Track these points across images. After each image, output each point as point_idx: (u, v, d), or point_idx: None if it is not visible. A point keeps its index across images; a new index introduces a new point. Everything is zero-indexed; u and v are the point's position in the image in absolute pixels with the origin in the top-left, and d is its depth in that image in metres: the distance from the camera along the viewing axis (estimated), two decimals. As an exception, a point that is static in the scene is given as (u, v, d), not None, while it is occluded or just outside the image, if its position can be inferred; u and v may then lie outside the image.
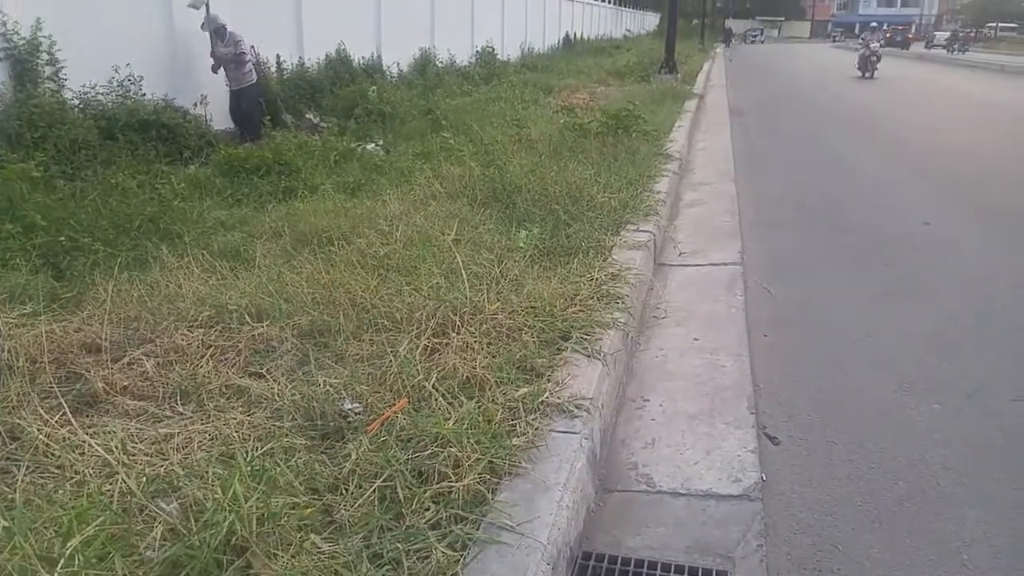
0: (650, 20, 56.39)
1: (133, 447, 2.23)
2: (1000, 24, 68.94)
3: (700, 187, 7.13)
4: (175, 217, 4.81)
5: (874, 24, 24.12)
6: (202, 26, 8.01)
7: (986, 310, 4.14)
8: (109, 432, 2.29)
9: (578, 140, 7.41)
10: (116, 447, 2.16)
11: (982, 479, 2.58)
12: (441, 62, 14.93)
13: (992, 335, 3.81)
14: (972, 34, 56.93)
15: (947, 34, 53.59)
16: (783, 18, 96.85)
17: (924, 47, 51.64)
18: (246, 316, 3.14)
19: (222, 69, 8.25)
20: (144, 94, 7.24)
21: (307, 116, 9.38)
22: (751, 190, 7.17)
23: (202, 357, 2.82)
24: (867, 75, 22.81)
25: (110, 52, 7.08)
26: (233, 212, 5.24)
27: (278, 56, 9.96)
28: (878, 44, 23.27)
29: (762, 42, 73.29)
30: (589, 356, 2.89)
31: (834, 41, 73.98)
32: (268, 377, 2.71)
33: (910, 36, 60.40)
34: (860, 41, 23.82)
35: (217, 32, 8.08)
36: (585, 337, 3.02)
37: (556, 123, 8.59)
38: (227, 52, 8.16)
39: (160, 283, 3.58)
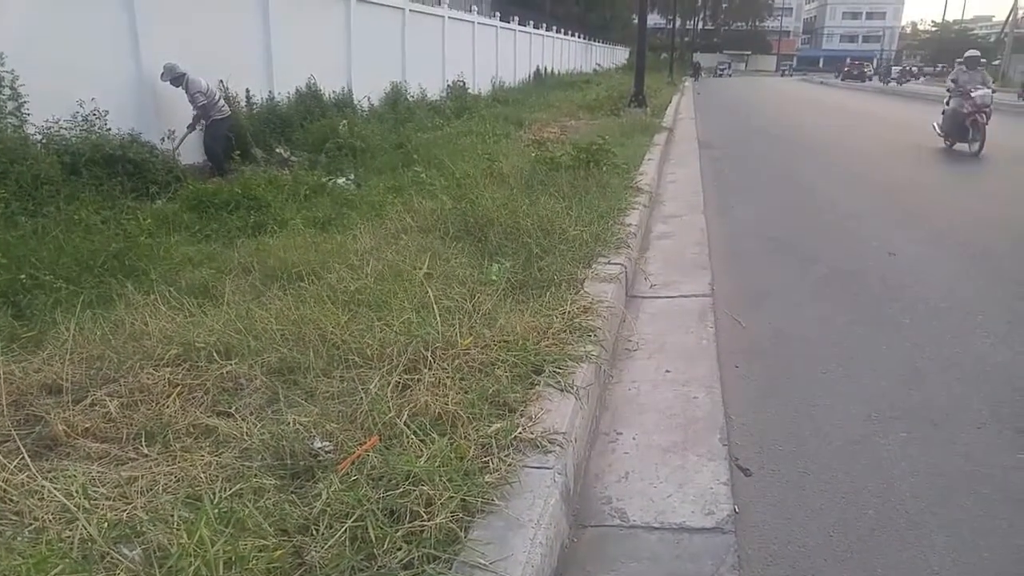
0: (619, 54, 57.46)
1: (95, 491, 2.17)
2: (952, 61, 71.83)
3: (670, 219, 7.22)
4: (141, 253, 4.74)
5: (973, 53, 11.10)
6: (161, 76, 8.01)
7: (950, 340, 4.22)
8: (69, 476, 2.23)
9: (549, 173, 7.47)
10: (77, 492, 2.10)
11: (949, 506, 2.61)
12: (412, 96, 15.02)
13: (957, 364, 3.88)
14: (918, 70, 60.40)
15: (900, 68, 56.92)
16: (749, 52, 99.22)
17: (880, 81, 54.18)
18: (214, 354, 3.09)
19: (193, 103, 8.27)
20: (110, 129, 7.17)
21: (277, 150, 9.35)
22: (720, 222, 7.27)
23: (168, 396, 2.77)
24: (971, 147, 12.83)
25: (75, 86, 7.02)
26: (201, 248, 5.18)
27: (247, 90, 9.95)
28: (985, 91, 12.80)
29: (730, 75, 74.88)
30: (562, 390, 2.89)
31: (783, 75, 79.74)
32: (236, 416, 2.66)
33: (867, 71, 63.10)
34: (951, 85, 13.52)
35: (175, 80, 8.06)
36: (558, 371, 3.02)
37: (527, 156, 8.65)
38: (197, 98, 8.16)
39: (125, 321, 3.51)
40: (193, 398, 2.80)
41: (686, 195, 8.54)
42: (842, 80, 58.65)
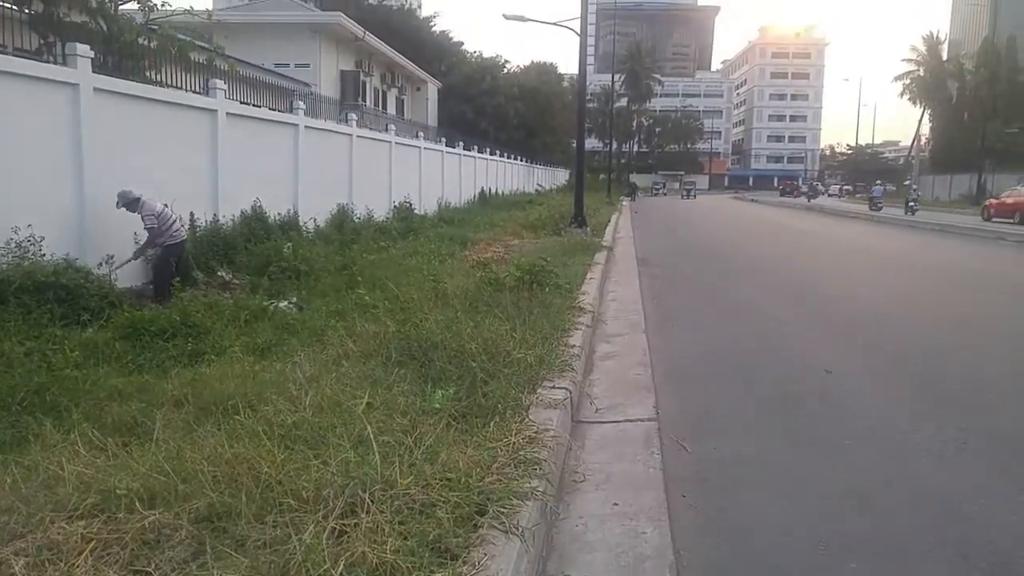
0: (560, 175, 59.78)
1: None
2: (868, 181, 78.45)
3: (613, 339, 7.28)
4: (65, 388, 4.51)
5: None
6: (116, 204, 7.97)
7: (891, 461, 4.25)
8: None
9: (494, 294, 7.52)
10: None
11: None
12: (359, 217, 15.20)
13: (901, 487, 3.89)
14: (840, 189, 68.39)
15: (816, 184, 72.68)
16: (683, 172, 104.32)
17: (807, 199, 59.09)
18: (136, 502, 2.89)
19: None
20: (44, 255, 7.01)
21: (219, 273, 9.24)
22: (662, 341, 7.36)
23: (80, 554, 2.55)
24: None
25: (11, 213, 6.90)
26: (132, 380, 4.96)
27: (192, 214, 9.92)
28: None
29: (665, 194, 78.15)
30: (507, 532, 2.77)
31: (684, 196, 72.74)
32: (156, 574, 2.46)
33: (802, 188, 73.66)
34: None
35: (129, 206, 8.02)
36: (503, 510, 2.91)
37: (472, 277, 8.73)
38: (148, 220, 8.09)
39: (40, 465, 3.28)
40: (108, 555, 2.58)
41: (627, 314, 8.67)
42: (781, 196, 72.53)
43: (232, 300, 7.60)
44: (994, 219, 29.93)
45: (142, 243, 8.27)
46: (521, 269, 8.20)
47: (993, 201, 31.92)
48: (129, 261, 8.21)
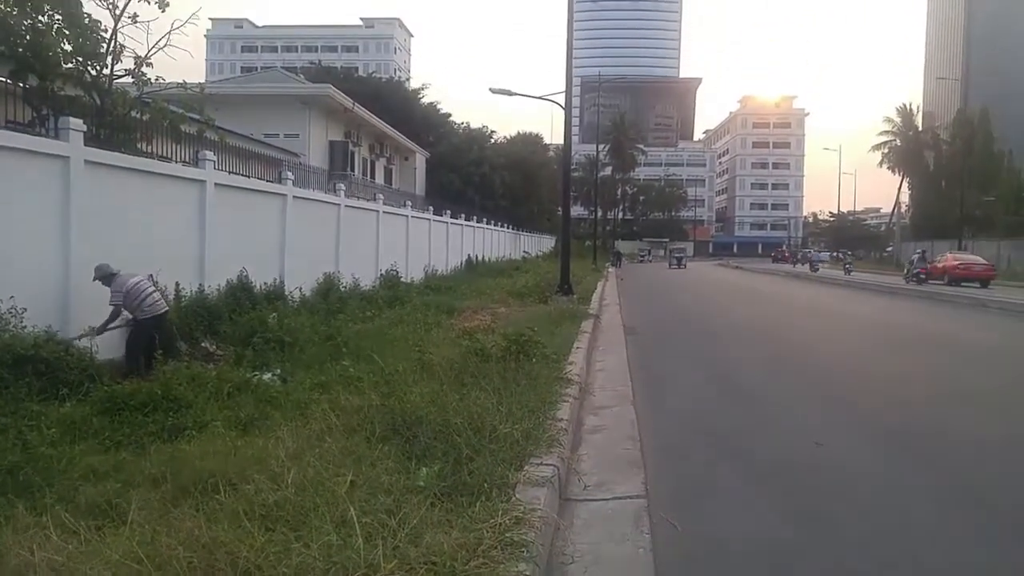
0: (546, 242, 60.34)
1: None
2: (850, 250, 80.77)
3: (601, 411, 7.21)
4: (39, 467, 4.40)
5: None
6: (93, 278, 7.93)
7: (886, 538, 4.18)
8: None
9: (480, 365, 7.48)
10: None
11: None
12: (345, 286, 15.21)
13: (895, 566, 3.83)
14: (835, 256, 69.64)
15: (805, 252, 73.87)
16: (667, 239, 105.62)
17: (791, 265, 60.70)
18: (107, 592, 2.79)
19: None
20: (25, 327, 6.93)
21: (203, 344, 9.16)
22: (650, 413, 7.30)
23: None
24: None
25: (-7, 285, 6.86)
26: (108, 457, 4.85)
27: (177, 284, 9.90)
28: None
29: (650, 261, 78.90)
30: (492, 622, 2.68)
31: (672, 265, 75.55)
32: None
33: (794, 255, 75.69)
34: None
35: (105, 280, 7.95)
36: (488, 599, 2.82)
37: (458, 346, 8.69)
38: (114, 297, 7.96)
39: (9, 551, 3.17)
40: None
41: (615, 385, 8.62)
42: (773, 262, 74.08)
43: (216, 372, 7.50)
44: (929, 281, 33.49)
45: (106, 319, 8.09)
46: (508, 339, 8.18)
47: (929, 266, 35.56)
48: (90, 335, 7.90)
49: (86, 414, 5.74)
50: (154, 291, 8.33)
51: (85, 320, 7.88)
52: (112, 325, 8.07)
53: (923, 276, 33.69)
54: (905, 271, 37.13)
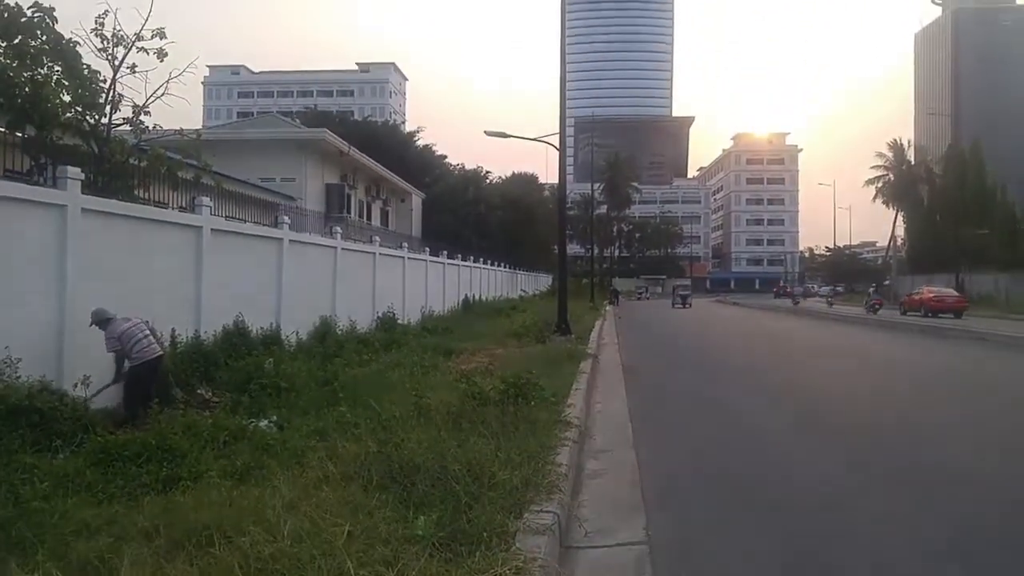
0: (543, 280, 60.44)
1: None
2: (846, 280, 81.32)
3: (601, 455, 7.15)
4: (32, 522, 4.32)
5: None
6: (90, 323, 7.92)
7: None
8: None
9: (478, 409, 7.43)
10: None
11: None
12: (342, 329, 15.17)
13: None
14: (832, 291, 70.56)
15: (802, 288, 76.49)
16: (664, 276, 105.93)
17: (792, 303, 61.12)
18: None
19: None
20: (19, 376, 6.88)
21: (199, 391, 9.09)
22: (651, 456, 7.23)
23: None
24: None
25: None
26: (102, 511, 4.76)
27: (173, 330, 9.85)
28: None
29: (648, 298, 78.87)
30: None
31: (639, 297, 78.94)
32: None
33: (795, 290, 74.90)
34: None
35: (101, 324, 7.93)
36: (488, 656, 2.76)
37: (456, 390, 8.63)
38: (110, 343, 7.96)
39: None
40: None
41: (615, 427, 8.57)
42: (776, 298, 75.29)
43: (211, 419, 7.42)
44: (907, 313, 37.01)
45: (116, 368, 8.10)
46: (506, 382, 8.14)
47: (905, 298, 39.80)
48: (108, 387, 8.01)
49: (79, 466, 5.65)
50: (146, 336, 8.23)
51: (80, 369, 7.81)
52: (123, 371, 8.07)
53: (877, 307, 39.00)
54: (864, 303, 41.80)
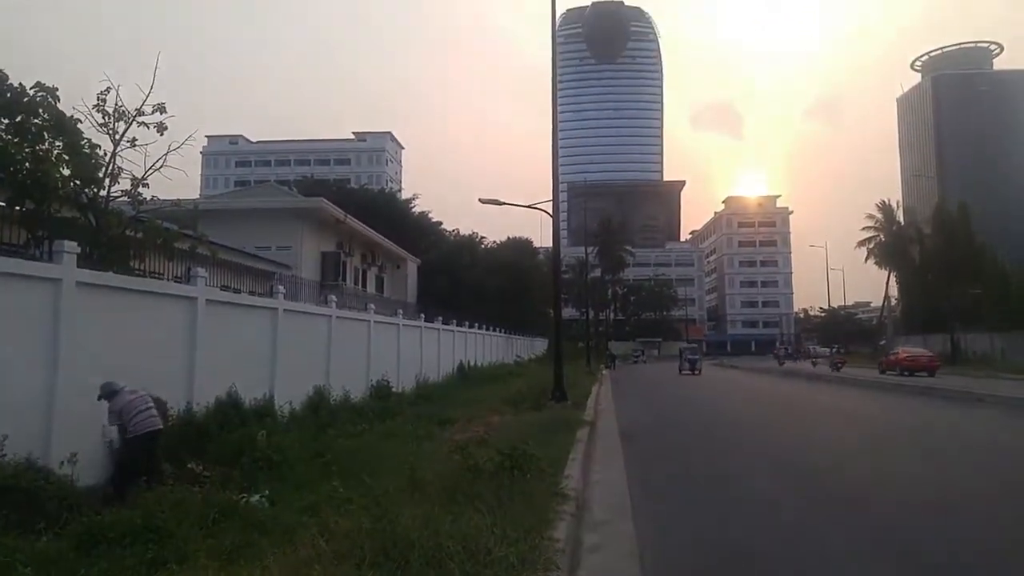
0: (539, 345, 60.24)
1: None
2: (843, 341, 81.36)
3: (599, 527, 6.98)
4: (11, 612, 4.18)
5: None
6: (98, 397, 7.85)
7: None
8: None
9: (473, 482, 7.29)
10: None
11: None
12: (335, 399, 15.01)
13: None
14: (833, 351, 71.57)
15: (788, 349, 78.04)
16: (660, 339, 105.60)
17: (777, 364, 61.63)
18: None
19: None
20: (4, 455, 6.75)
21: (189, 466, 8.92)
22: (650, 527, 7.07)
23: None
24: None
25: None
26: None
27: (165, 403, 9.72)
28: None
29: (644, 362, 78.31)
30: None
31: (636, 360, 79.99)
32: None
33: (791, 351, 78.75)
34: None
35: (107, 397, 7.87)
36: None
37: (451, 462, 8.50)
38: (111, 419, 7.89)
39: None
40: None
41: (613, 496, 8.41)
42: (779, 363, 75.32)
43: (201, 495, 7.27)
44: (886, 372, 39.39)
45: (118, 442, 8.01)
46: (501, 453, 8.01)
47: (883, 359, 42.85)
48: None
49: (63, 549, 5.50)
50: (148, 407, 8.13)
51: (68, 446, 7.64)
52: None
53: (840, 365, 45.76)
54: (829, 362, 48.35)
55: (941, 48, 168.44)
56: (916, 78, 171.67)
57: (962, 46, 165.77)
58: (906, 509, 7.88)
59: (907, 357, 39.14)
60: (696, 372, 45.52)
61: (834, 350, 67.91)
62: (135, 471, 7.84)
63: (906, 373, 37.11)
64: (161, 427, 8.34)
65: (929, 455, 12.15)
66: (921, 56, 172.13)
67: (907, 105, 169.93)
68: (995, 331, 50.83)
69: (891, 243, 67.93)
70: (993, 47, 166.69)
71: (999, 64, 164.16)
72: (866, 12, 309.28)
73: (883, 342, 64.79)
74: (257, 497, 7.59)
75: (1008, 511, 7.82)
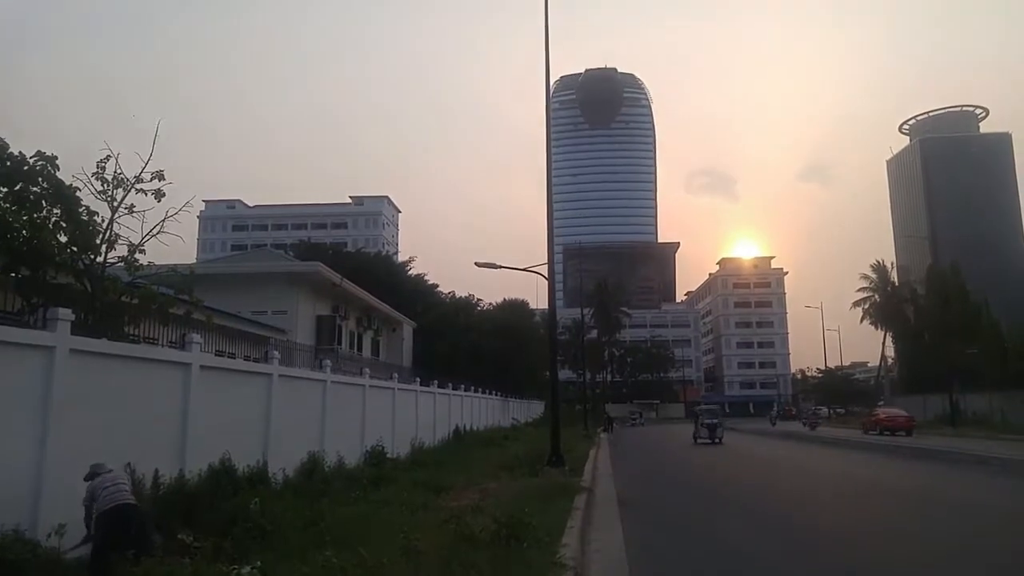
0: (535, 407, 59.73)
1: None
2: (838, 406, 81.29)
3: (598, 598, 6.84)
4: None
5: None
6: (85, 477, 7.65)
7: None
8: None
9: (469, 553, 7.16)
10: None
11: None
12: (330, 465, 14.80)
13: None
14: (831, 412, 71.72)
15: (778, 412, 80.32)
16: (658, 401, 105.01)
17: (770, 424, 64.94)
18: None
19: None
20: (-8, 526, 6.62)
21: (180, 536, 8.72)
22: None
23: None
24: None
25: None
26: None
27: (156, 471, 9.58)
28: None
29: (642, 424, 77.12)
30: None
31: (633, 424, 76.84)
32: None
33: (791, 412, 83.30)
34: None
35: (90, 478, 7.54)
36: None
37: (447, 530, 8.35)
38: (86, 501, 7.58)
39: None
40: None
41: (612, 565, 8.24)
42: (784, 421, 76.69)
43: (191, 568, 7.09)
44: (869, 432, 42.40)
45: (85, 526, 7.55)
46: (498, 522, 7.90)
47: (864, 419, 47.08)
48: (79, 546, 7.43)
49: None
50: (113, 484, 7.71)
51: (56, 516, 7.49)
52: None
53: (815, 425, 52.16)
54: (804, 422, 55.62)
55: (928, 112, 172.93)
56: (905, 141, 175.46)
57: (949, 110, 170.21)
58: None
59: (886, 417, 43.11)
60: (717, 441, 36.73)
61: (812, 410, 69.78)
62: (103, 549, 7.46)
63: (887, 432, 40.21)
64: (129, 501, 7.89)
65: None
66: (909, 119, 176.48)
67: (897, 167, 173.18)
68: (995, 391, 50.58)
69: (886, 304, 68.27)
70: (979, 111, 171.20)
71: (985, 127, 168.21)
72: (856, 76, 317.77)
73: (881, 402, 64.42)
74: (248, 569, 7.37)
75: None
